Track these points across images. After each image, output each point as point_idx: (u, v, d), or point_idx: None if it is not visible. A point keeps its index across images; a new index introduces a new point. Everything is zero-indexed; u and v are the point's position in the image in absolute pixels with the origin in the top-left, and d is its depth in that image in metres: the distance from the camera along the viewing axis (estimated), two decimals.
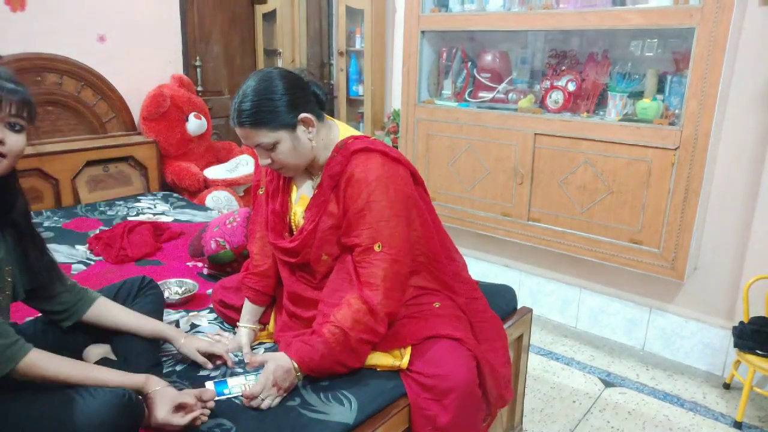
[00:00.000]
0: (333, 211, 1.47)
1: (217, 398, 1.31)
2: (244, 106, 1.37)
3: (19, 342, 1.14)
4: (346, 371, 1.41)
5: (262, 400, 1.29)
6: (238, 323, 1.64)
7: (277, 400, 1.32)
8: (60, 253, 2.31)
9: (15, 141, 1.13)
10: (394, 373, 1.44)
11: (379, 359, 1.44)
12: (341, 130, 1.53)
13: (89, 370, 1.20)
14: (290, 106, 1.39)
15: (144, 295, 1.53)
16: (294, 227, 1.57)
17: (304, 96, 1.43)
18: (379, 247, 1.40)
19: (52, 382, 1.14)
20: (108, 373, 1.20)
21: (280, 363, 1.33)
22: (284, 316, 1.60)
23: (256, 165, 1.63)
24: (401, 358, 1.43)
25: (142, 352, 1.40)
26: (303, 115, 1.41)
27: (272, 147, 1.40)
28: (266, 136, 1.38)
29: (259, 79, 1.39)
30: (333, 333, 1.35)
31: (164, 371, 1.44)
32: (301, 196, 1.56)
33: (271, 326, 1.66)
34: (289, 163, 1.44)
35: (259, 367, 1.37)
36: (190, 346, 1.45)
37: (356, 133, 1.55)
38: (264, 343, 1.64)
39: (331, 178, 1.46)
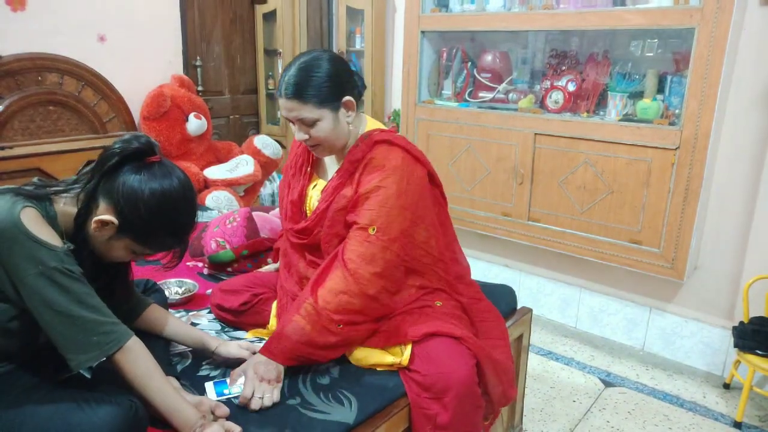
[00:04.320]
0: (347, 193, 1.50)
1: (217, 398, 1.31)
2: (296, 80, 1.40)
3: (122, 325, 1.15)
4: (329, 356, 1.42)
5: (260, 398, 1.29)
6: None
7: (276, 392, 1.32)
8: None
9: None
10: (394, 372, 1.44)
11: (380, 358, 1.45)
12: (369, 123, 1.59)
13: (166, 386, 1.17)
14: (338, 87, 1.44)
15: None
16: (309, 213, 1.61)
17: (350, 81, 1.49)
18: (373, 230, 1.42)
19: (131, 381, 1.14)
20: (176, 397, 1.18)
21: (255, 360, 1.36)
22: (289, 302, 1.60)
23: (294, 141, 1.65)
24: (401, 355, 1.43)
25: (155, 351, 1.39)
26: (347, 98, 1.46)
27: (313, 123, 1.44)
28: (311, 112, 1.42)
29: (312, 57, 1.44)
30: (306, 313, 1.37)
31: None
32: (321, 183, 1.60)
33: (271, 326, 1.66)
34: (326, 141, 1.48)
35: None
36: (227, 348, 1.46)
37: (383, 127, 1.59)
38: (265, 340, 1.64)
39: (351, 163, 1.50)
